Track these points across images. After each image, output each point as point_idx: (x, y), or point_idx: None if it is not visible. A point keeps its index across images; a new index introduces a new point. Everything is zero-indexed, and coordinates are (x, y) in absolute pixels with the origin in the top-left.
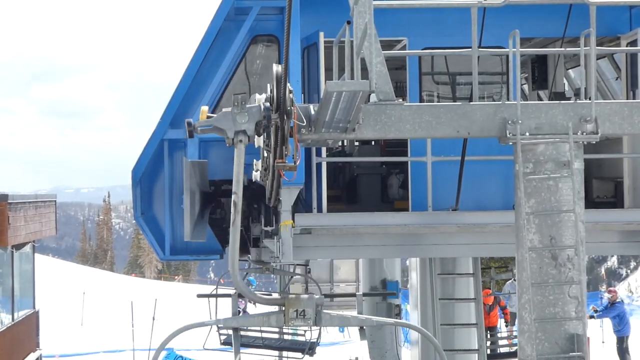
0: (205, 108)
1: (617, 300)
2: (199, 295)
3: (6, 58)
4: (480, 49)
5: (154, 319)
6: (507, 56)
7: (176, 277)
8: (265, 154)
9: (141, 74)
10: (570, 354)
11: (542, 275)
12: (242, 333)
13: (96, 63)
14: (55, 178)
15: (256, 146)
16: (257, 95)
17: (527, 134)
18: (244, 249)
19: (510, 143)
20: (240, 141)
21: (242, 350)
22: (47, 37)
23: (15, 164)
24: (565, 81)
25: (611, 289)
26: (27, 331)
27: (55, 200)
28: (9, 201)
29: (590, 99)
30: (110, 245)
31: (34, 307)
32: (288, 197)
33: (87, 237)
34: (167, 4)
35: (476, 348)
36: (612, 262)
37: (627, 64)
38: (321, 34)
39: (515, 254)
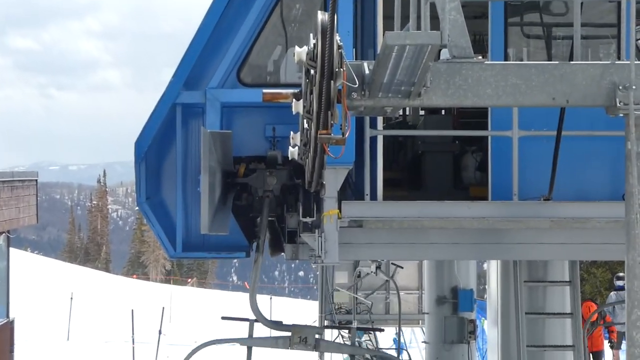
0: None
1: None
2: (224, 318)
3: None
4: None
5: (160, 332)
6: (620, 2)
7: (189, 279)
8: (306, 124)
9: (147, 19)
10: None
11: None
12: None
13: (90, 3)
14: (36, 152)
15: (294, 112)
16: (297, 49)
17: None
18: (277, 246)
19: (621, 114)
20: None
21: None
22: None
23: None
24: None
25: None
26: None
27: (36, 180)
28: None
29: None
30: (105, 238)
31: (7, 316)
32: (334, 180)
33: (76, 228)
34: None
35: None
36: None
37: None
38: None
39: (625, 257)
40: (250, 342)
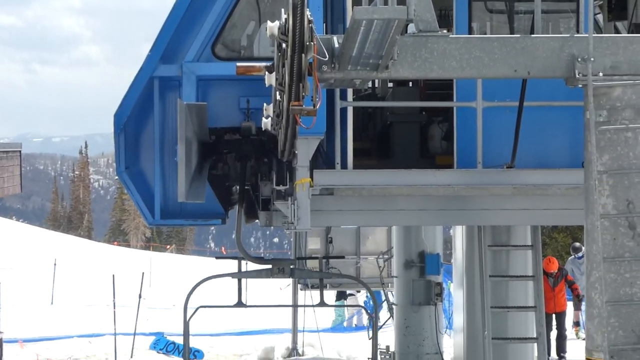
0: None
1: None
2: (217, 257)
3: None
4: None
5: (140, 297)
6: None
7: (168, 246)
8: (279, 96)
9: None
10: None
11: (617, 248)
12: None
13: None
14: (20, 124)
15: (267, 85)
16: (270, 24)
17: (601, 74)
18: (251, 213)
19: (580, 85)
20: None
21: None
22: None
23: None
24: None
25: None
26: None
27: (20, 151)
28: None
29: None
30: (87, 207)
31: None
32: (306, 149)
33: (59, 197)
34: None
35: (535, 336)
36: None
37: None
38: None
39: (584, 221)
40: (239, 275)
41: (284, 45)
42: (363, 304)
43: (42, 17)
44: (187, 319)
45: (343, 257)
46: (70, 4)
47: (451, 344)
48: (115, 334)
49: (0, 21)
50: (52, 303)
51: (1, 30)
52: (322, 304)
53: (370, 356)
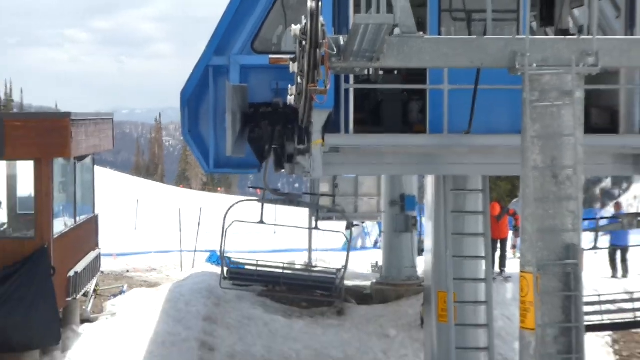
0: None
1: (620, 211)
2: (250, 187)
3: None
4: None
5: (199, 224)
6: None
7: (219, 188)
8: (299, 80)
9: (186, 8)
10: (566, 261)
11: (544, 191)
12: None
13: None
14: (112, 100)
15: (291, 71)
16: (293, 26)
17: (534, 65)
18: (279, 164)
19: (519, 74)
20: None
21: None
22: None
23: (77, 88)
24: (570, 19)
25: (618, 201)
26: (88, 232)
27: (112, 119)
28: (71, 118)
29: (592, 35)
30: (161, 160)
31: (93, 212)
32: (319, 118)
33: (140, 152)
34: None
35: (483, 255)
36: (607, 183)
37: (626, 4)
38: None
39: (521, 172)
40: (262, 200)
41: (304, 42)
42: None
43: (126, 23)
44: (225, 229)
45: (333, 196)
46: (146, 13)
47: (423, 260)
48: (181, 251)
49: (96, 26)
50: (135, 229)
51: (97, 33)
52: (316, 227)
53: (344, 265)
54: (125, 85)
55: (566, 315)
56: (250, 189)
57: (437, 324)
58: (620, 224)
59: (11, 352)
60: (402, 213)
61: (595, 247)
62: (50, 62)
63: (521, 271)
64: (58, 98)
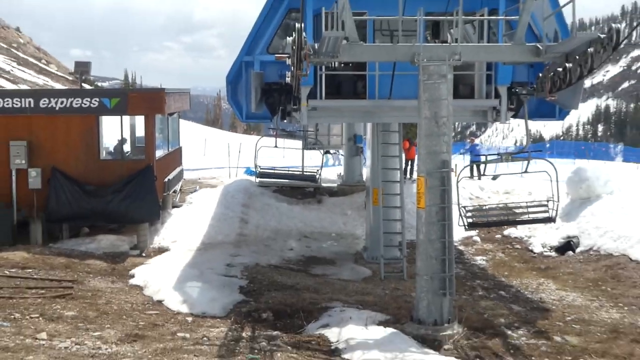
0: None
1: (475, 143)
2: (270, 128)
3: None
4: (403, 17)
5: (239, 152)
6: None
7: (252, 132)
8: (292, 69)
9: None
10: (442, 170)
11: (430, 131)
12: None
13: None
14: (191, 82)
15: (287, 63)
16: (288, 38)
17: (425, 60)
18: (283, 117)
19: (417, 65)
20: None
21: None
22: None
23: (173, 77)
24: (448, 35)
25: (472, 137)
26: (176, 156)
27: (189, 91)
28: (165, 91)
29: (457, 43)
30: (220, 116)
31: (179, 145)
32: (304, 91)
33: (208, 112)
34: None
35: (398, 167)
36: (472, 127)
37: (479, 26)
38: (323, 8)
39: (418, 120)
40: (276, 135)
41: (294, 47)
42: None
43: (200, 38)
44: (257, 150)
45: (315, 133)
46: (212, 32)
47: (365, 172)
48: (229, 167)
49: (183, 39)
50: (204, 154)
51: (182, 44)
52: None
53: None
54: (199, 74)
55: (442, 200)
56: (270, 131)
57: (373, 207)
58: (500, 159)
59: (133, 223)
60: (354, 145)
61: (472, 167)
62: (156, 61)
63: (418, 176)
64: (162, 82)
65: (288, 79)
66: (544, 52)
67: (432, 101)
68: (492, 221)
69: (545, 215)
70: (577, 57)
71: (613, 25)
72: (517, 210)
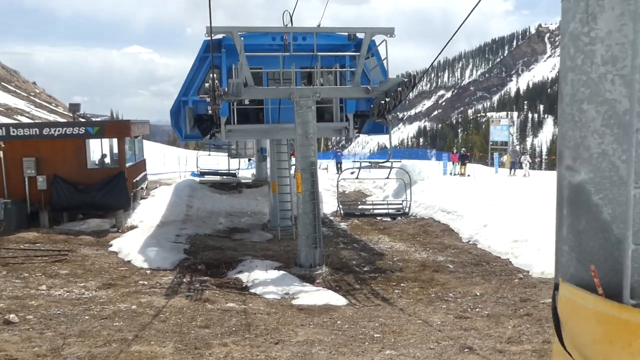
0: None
1: (337, 151)
2: (206, 143)
3: (137, 71)
4: (283, 69)
5: (186, 161)
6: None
7: (197, 148)
8: (210, 104)
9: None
10: (311, 167)
11: (303, 142)
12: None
13: (172, 74)
14: (157, 116)
15: (208, 100)
16: (206, 84)
17: (298, 97)
18: (210, 137)
19: (293, 100)
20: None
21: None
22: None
23: (140, 112)
24: (319, 81)
25: (337, 147)
26: (141, 165)
27: (148, 122)
28: (130, 122)
29: (319, 86)
30: (176, 139)
31: (143, 157)
32: (222, 119)
33: (168, 135)
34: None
35: (287, 167)
36: (343, 141)
37: (335, 75)
38: (232, 65)
39: (295, 136)
40: (210, 150)
41: (210, 90)
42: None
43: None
44: (197, 158)
45: (234, 148)
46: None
47: (268, 171)
48: (179, 171)
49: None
50: (164, 164)
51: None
52: (230, 156)
53: None
54: (162, 110)
55: (312, 186)
56: (206, 146)
57: (272, 194)
58: (371, 166)
59: (112, 210)
60: (262, 154)
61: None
62: (133, 103)
63: (295, 171)
64: (136, 116)
65: (209, 111)
66: (372, 91)
67: (303, 123)
68: (361, 213)
69: (401, 211)
70: (392, 93)
71: (411, 73)
72: (380, 206)
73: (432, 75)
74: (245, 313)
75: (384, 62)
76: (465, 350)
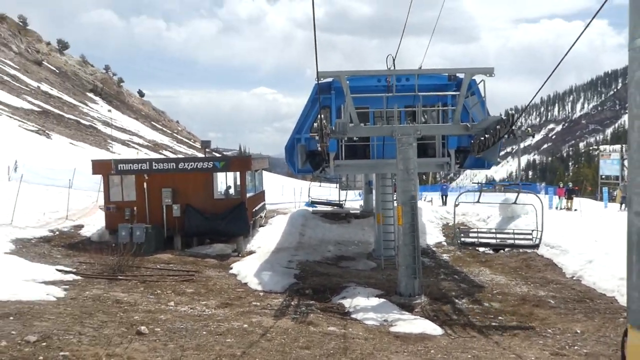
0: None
1: (443, 184)
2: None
3: (263, 110)
4: (387, 109)
5: (300, 193)
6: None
7: (313, 180)
8: (320, 142)
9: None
10: (412, 201)
11: (405, 177)
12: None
13: (293, 113)
14: (278, 150)
15: (316, 139)
16: (315, 124)
17: (400, 135)
18: (320, 171)
19: (395, 137)
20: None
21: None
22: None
23: (269, 147)
24: (424, 118)
25: (444, 180)
26: (260, 196)
27: (267, 157)
28: (252, 157)
29: (419, 124)
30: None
31: (262, 189)
32: (331, 155)
33: (287, 168)
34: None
35: (391, 200)
36: (451, 174)
37: (437, 113)
38: (341, 105)
39: (397, 171)
40: (320, 180)
41: (319, 129)
42: None
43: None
44: (309, 188)
45: (345, 181)
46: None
47: (374, 203)
48: (295, 202)
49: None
50: (282, 194)
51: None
52: (341, 188)
53: None
54: (276, 145)
55: (412, 219)
56: (319, 179)
57: (377, 225)
58: (493, 188)
59: (233, 236)
60: (369, 187)
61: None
62: (258, 137)
63: (397, 205)
64: (261, 151)
65: (320, 148)
66: (471, 128)
67: (404, 159)
68: (482, 243)
69: (529, 242)
70: (491, 130)
71: (509, 111)
72: (504, 235)
73: (542, 109)
74: (345, 337)
75: (484, 100)
76: None
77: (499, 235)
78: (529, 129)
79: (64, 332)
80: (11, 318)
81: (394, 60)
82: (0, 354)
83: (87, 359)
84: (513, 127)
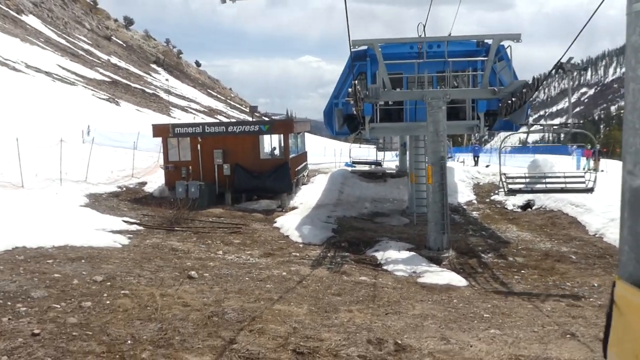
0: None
1: (475, 145)
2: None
3: (308, 77)
4: (418, 74)
5: (341, 153)
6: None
7: (351, 141)
8: (355, 106)
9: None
10: (441, 162)
11: (433, 139)
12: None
13: (334, 79)
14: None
15: (351, 103)
16: (350, 90)
17: (429, 98)
18: (356, 133)
19: (425, 101)
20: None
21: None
22: None
23: (311, 111)
24: (455, 82)
25: (475, 141)
26: (302, 157)
27: (309, 121)
28: (294, 120)
29: (448, 88)
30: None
31: (305, 150)
32: (367, 118)
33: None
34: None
35: (424, 160)
36: (485, 137)
37: (467, 78)
38: (376, 71)
39: (427, 135)
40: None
41: (354, 94)
42: None
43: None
44: (350, 150)
45: (383, 143)
46: None
47: (408, 163)
48: (335, 162)
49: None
50: (324, 155)
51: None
52: (378, 149)
53: None
54: (320, 110)
55: (441, 178)
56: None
57: (410, 184)
58: (543, 129)
59: (278, 193)
60: (404, 148)
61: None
62: (304, 103)
63: (428, 165)
64: (307, 115)
65: (353, 112)
66: (498, 92)
67: (434, 122)
68: (531, 189)
69: (582, 185)
70: (518, 94)
71: (534, 76)
72: (554, 180)
73: (575, 73)
74: (374, 286)
75: (511, 64)
76: (567, 336)
77: (548, 180)
78: (578, 62)
79: (126, 274)
80: (83, 261)
81: (424, 27)
82: (72, 290)
83: (144, 297)
84: (562, 62)
